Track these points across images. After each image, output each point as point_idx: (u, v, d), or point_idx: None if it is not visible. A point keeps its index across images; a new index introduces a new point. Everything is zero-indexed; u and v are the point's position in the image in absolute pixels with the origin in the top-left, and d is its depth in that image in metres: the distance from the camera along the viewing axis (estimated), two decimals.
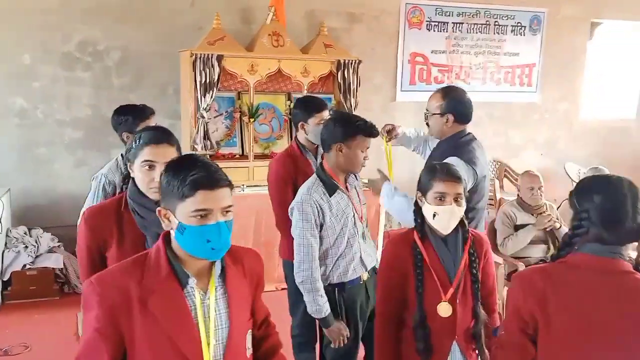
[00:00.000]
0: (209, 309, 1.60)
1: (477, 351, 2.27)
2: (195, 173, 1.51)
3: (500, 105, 6.99)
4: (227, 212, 1.56)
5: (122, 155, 3.15)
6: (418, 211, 2.30)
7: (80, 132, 5.37)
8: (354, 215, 2.70)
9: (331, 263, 2.68)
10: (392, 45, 6.43)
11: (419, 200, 2.30)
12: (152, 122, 3.16)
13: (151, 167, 2.00)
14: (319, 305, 2.59)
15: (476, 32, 6.75)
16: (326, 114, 3.16)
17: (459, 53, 6.73)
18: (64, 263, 4.85)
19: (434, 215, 2.20)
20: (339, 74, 5.35)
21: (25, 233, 4.95)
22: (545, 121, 7.35)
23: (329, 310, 2.62)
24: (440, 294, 2.19)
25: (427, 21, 6.51)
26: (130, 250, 1.97)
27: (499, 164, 6.91)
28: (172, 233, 1.59)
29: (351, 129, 2.58)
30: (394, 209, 2.97)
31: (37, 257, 4.81)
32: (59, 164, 5.36)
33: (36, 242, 4.89)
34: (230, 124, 5.28)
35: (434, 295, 2.19)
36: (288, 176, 3.16)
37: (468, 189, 2.59)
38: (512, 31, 6.92)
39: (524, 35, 6.98)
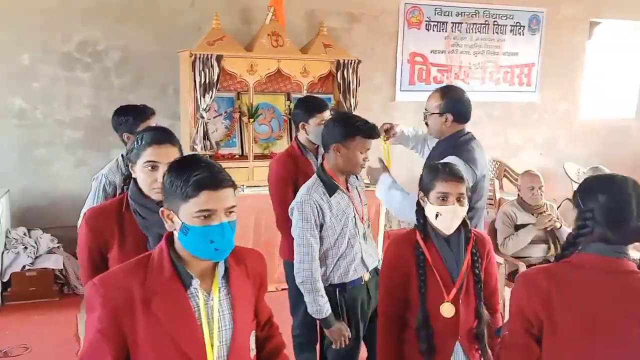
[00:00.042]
0: (213, 310, 1.59)
1: (479, 351, 2.26)
2: (198, 173, 1.51)
3: (499, 105, 6.99)
4: (230, 212, 1.56)
5: (122, 155, 3.15)
6: (420, 211, 2.29)
7: (79, 132, 5.36)
8: (354, 216, 2.69)
9: (332, 263, 2.67)
10: (392, 45, 6.42)
11: (421, 201, 2.29)
12: (153, 122, 3.15)
13: (154, 167, 2.00)
14: (319, 306, 2.59)
15: (475, 32, 6.75)
16: (327, 115, 3.15)
17: (458, 53, 6.73)
18: (63, 264, 4.84)
19: (437, 216, 2.20)
20: (339, 74, 5.34)
21: (24, 234, 4.94)
22: (544, 121, 7.35)
23: (330, 311, 2.61)
24: (443, 294, 2.18)
25: (426, 21, 6.50)
26: (132, 251, 1.96)
27: (498, 163, 6.90)
28: (176, 234, 1.58)
29: (350, 129, 2.57)
30: (389, 201, 2.97)
31: (36, 258, 4.80)
32: (58, 164, 5.35)
33: (36, 243, 4.88)
34: (229, 124, 5.27)
35: (436, 296, 2.18)
36: (289, 176, 3.15)
37: None
38: (511, 31, 6.92)
39: (523, 35, 6.99)
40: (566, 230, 4.16)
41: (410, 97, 6.41)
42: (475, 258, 2.24)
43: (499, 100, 6.99)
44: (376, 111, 6.02)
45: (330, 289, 2.67)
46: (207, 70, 4.84)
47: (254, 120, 5.19)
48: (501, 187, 6.80)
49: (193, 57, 4.80)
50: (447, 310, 2.18)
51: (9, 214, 5.04)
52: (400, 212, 2.94)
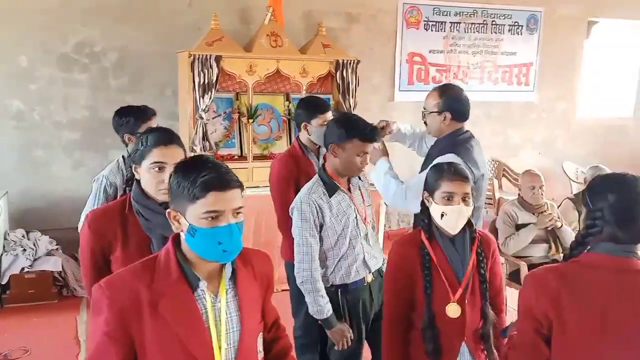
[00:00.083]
0: (220, 312, 1.58)
1: (485, 352, 2.25)
2: (206, 174, 1.49)
3: (498, 105, 6.99)
4: (238, 213, 1.54)
5: (123, 156, 3.14)
6: (425, 211, 2.28)
7: (77, 133, 5.34)
8: (356, 217, 2.68)
9: (332, 264, 2.66)
10: (390, 45, 6.42)
11: (425, 200, 2.28)
12: (154, 123, 3.14)
13: (161, 168, 1.99)
14: (320, 306, 2.58)
15: (473, 32, 6.76)
16: (329, 115, 3.14)
17: (456, 53, 6.73)
18: (62, 266, 4.82)
19: (442, 215, 2.19)
20: (338, 74, 5.33)
21: (23, 236, 4.92)
22: (542, 120, 7.36)
23: (331, 311, 2.60)
24: (448, 295, 2.17)
25: (424, 21, 6.50)
26: (135, 252, 1.95)
27: (497, 163, 6.91)
28: (182, 235, 1.57)
29: (348, 131, 2.56)
30: (382, 187, 2.97)
31: (35, 260, 4.77)
32: (56, 166, 5.32)
33: (34, 245, 4.85)
34: (228, 124, 5.25)
35: (442, 296, 2.18)
36: (290, 176, 3.14)
37: None
38: (509, 30, 6.92)
39: (521, 34, 6.99)
40: (567, 229, 4.16)
41: (409, 97, 6.41)
42: (481, 258, 2.23)
43: (497, 99, 6.99)
44: (375, 111, 6.01)
45: (332, 290, 2.66)
46: (206, 71, 4.82)
47: (253, 121, 5.17)
48: (500, 186, 6.80)
49: (192, 57, 4.78)
50: (453, 310, 2.17)
51: (7, 216, 5.02)
52: (392, 200, 2.94)
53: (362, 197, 2.78)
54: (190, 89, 4.86)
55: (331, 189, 2.63)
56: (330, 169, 2.66)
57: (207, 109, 4.93)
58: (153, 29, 5.36)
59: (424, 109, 3.00)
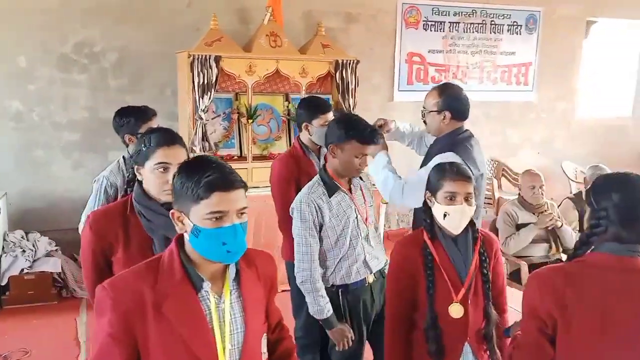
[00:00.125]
0: (224, 313, 1.57)
1: (488, 352, 2.25)
2: (209, 174, 1.49)
3: (497, 105, 7.00)
4: (242, 213, 1.54)
5: (123, 157, 3.13)
6: (427, 211, 2.28)
7: (76, 134, 5.33)
8: (356, 217, 2.67)
9: (333, 264, 2.66)
10: (390, 45, 6.42)
11: (428, 200, 2.28)
12: (155, 123, 3.13)
13: (165, 169, 1.98)
14: (320, 306, 2.58)
15: (473, 32, 6.77)
16: (331, 116, 3.13)
17: (455, 52, 6.74)
18: (62, 267, 4.81)
19: (445, 215, 2.18)
20: (337, 74, 5.32)
21: (22, 237, 4.90)
22: (542, 120, 7.37)
23: (331, 311, 2.60)
24: (451, 295, 2.17)
25: (423, 21, 6.51)
26: (137, 253, 1.95)
27: (496, 163, 6.91)
28: (186, 236, 1.56)
29: (346, 132, 2.55)
30: (379, 180, 2.97)
31: (34, 261, 4.76)
32: (55, 166, 5.31)
33: (34, 246, 4.84)
34: (228, 125, 5.24)
35: (445, 296, 2.17)
36: (291, 176, 3.13)
37: None
38: (508, 30, 6.93)
39: (520, 34, 7.00)
40: (567, 229, 4.16)
41: (408, 97, 6.41)
42: (484, 258, 2.23)
43: (496, 99, 7.00)
44: (374, 111, 5.98)
45: (333, 290, 2.66)
46: (205, 71, 4.81)
47: (252, 121, 5.16)
48: (499, 186, 6.80)
49: (191, 57, 4.77)
50: (455, 311, 2.17)
51: (7, 217, 5.00)
52: (389, 195, 2.94)
53: (364, 198, 2.77)
54: (190, 90, 4.85)
55: (331, 189, 2.63)
56: (330, 169, 2.66)
57: (206, 109, 4.92)
58: (152, 30, 5.35)
59: (424, 108, 3.00)
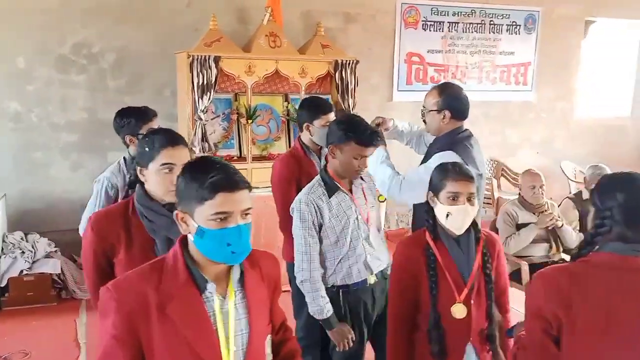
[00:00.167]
0: (228, 314, 1.57)
1: (491, 352, 2.24)
2: (214, 175, 1.48)
3: (496, 104, 7.01)
4: (246, 214, 1.53)
5: (124, 158, 3.12)
6: (430, 211, 2.27)
7: (75, 135, 5.31)
8: (357, 217, 2.66)
9: (333, 265, 2.65)
10: (389, 45, 6.42)
11: (430, 201, 2.27)
12: (155, 124, 3.11)
13: (171, 169, 1.97)
14: (319, 306, 2.57)
15: (472, 32, 6.77)
16: (332, 116, 3.12)
17: (454, 52, 6.74)
18: (61, 268, 4.79)
19: (447, 216, 2.18)
20: (337, 74, 5.32)
21: (21, 238, 4.88)
22: (541, 120, 7.37)
23: (331, 311, 2.59)
24: (454, 295, 2.17)
25: (422, 21, 6.51)
26: (139, 254, 1.95)
27: (496, 163, 6.91)
28: (190, 237, 1.55)
29: (346, 133, 2.54)
30: (378, 175, 2.96)
31: (34, 262, 4.74)
32: (54, 168, 5.29)
33: (33, 247, 4.82)
34: (227, 125, 5.24)
35: (448, 297, 2.17)
36: (292, 177, 3.13)
37: None
38: (507, 30, 6.94)
39: (519, 34, 7.01)
40: (567, 229, 4.17)
41: (408, 97, 6.41)
42: (486, 258, 2.22)
43: (495, 99, 7.01)
44: (373, 111, 5.95)
45: (333, 290, 2.65)
46: (205, 72, 4.80)
47: (252, 122, 5.16)
48: (499, 186, 6.80)
49: (191, 58, 4.77)
50: (458, 311, 2.17)
51: (6, 218, 4.99)
52: (387, 190, 2.93)
53: (365, 198, 2.76)
54: (189, 90, 4.85)
55: (332, 189, 2.62)
56: (331, 169, 2.66)
57: (205, 109, 4.91)
58: (152, 30, 5.34)
59: (424, 107, 2.99)
